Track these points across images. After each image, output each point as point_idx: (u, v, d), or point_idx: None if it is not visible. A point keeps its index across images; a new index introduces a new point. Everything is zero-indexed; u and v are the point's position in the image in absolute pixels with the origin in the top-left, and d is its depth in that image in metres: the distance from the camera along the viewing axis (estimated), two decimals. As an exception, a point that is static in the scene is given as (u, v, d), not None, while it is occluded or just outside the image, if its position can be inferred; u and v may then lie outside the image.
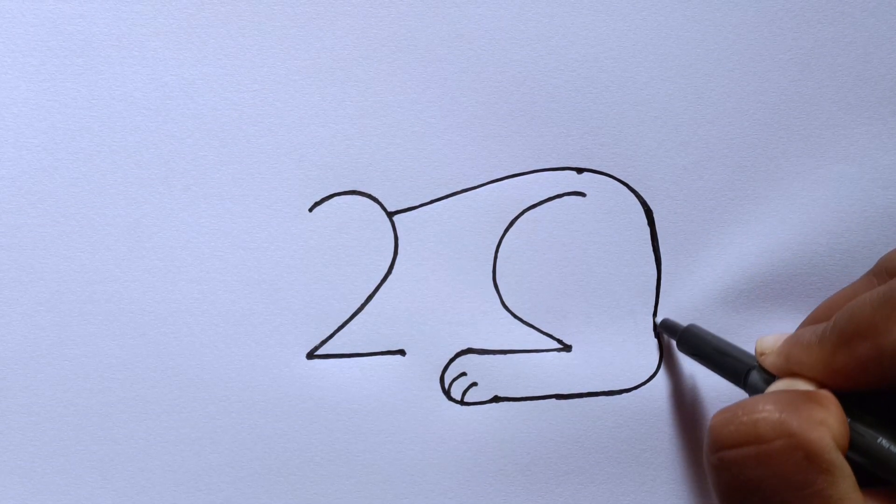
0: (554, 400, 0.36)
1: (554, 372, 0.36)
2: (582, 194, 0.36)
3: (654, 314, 0.36)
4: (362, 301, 0.35)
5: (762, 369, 0.30)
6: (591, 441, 0.36)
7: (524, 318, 0.35)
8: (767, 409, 0.25)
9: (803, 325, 0.31)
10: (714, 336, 0.33)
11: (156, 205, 0.34)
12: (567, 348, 0.36)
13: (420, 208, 0.35)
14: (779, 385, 0.28)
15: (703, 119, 0.36)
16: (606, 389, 0.36)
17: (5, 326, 0.33)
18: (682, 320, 0.36)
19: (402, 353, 0.35)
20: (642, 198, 0.36)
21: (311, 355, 0.35)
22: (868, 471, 0.26)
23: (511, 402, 0.35)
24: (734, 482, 0.25)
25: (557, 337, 0.36)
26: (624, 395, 0.36)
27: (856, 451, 0.26)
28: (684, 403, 0.36)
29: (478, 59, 0.35)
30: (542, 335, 0.36)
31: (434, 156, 0.35)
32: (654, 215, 0.36)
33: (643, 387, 0.36)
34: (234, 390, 0.34)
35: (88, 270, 0.34)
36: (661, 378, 0.36)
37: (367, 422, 0.35)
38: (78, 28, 0.33)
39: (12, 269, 0.33)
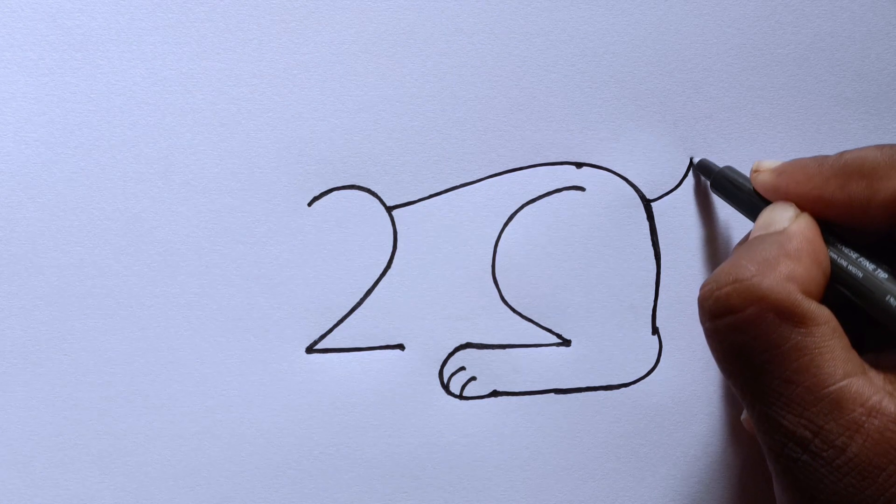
0: (553, 394, 0.36)
1: (553, 366, 0.36)
2: (581, 189, 0.36)
3: (654, 309, 0.36)
4: (361, 295, 0.35)
5: (755, 193, 0.31)
6: (590, 435, 0.36)
7: (523, 313, 0.35)
8: (739, 278, 0.27)
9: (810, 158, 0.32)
10: (747, 178, 0.33)
11: (155, 199, 0.34)
12: (566, 343, 0.36)
13: (419, 203, 0.35)
14: (764, 214, 0.30)
15: (701, 114, 0.36)
16: (605, 384, 0.36)
17: (4, 321, 0.33)
18: (681, 315, 0.36)
19: (401, 347, 0.35)
20: (641, 192, 0.36)
21: (310, 349, 0.35)
22: (858, 311, 0.28)
23: (510, 397, 0.36)
24: (722, 348, 0.28)
25: (556, 331, 0.36)
26: (623, 389, 0.36)
27: (836, 279, 0.28)
28: (683, 398, 0.36)
29: (477, 53, 0.35)
30: (541, 330, 0.36)
31: (433, 150, 0.35)
32: (654, 209, 0.36)
33: (642, 381, 0.36)
34: (233, 384, 0.34)
35: (87, 265, 0.34)
36: (660, 373, 0.36)
37: (366, 416, 0.35)
38: (77, 22, 0.33)
39: (11, 263, 0.33)
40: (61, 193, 0.33)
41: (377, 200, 0.35)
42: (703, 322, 0.28)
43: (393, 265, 0.35)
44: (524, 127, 0.35)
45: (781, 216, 0.29)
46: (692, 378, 0.36)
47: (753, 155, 0.36)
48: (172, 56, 0.34)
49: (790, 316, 0.26)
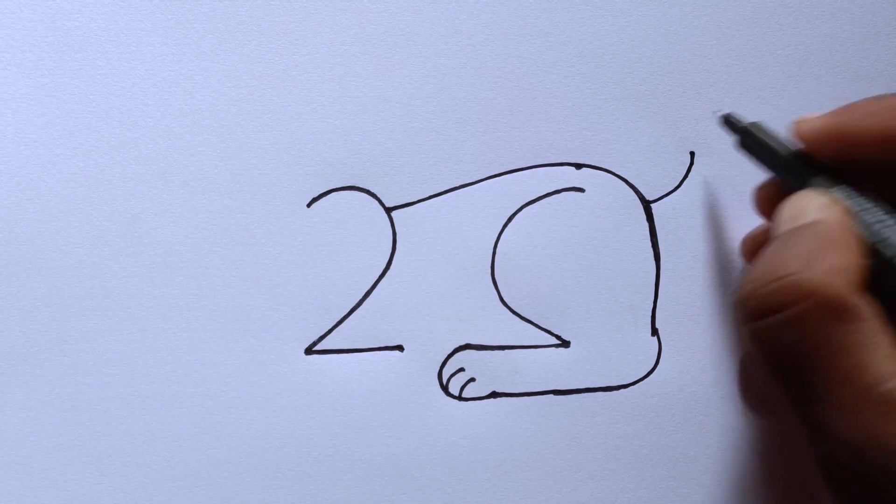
0: (552, 395, 0.36)
1: (552, 367, 0.36)
2: (581, 190, 0.36)
3: (653, 310, 0.36)
4: (360, 297, 0.35)
5: (788, 154, 0.30)
6: (589, 437, 0.36)
7: (522, 314, 0.35)
8: (785, 273, 0.25)
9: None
10: (779, 139, 0.32)
11: (154, 200, 0.34)
12: (565, 344, 0.36)
13: (418, 204, 0.35)
14: (790, 206, 0.29)
15: (701, 115, 0.36)
16: (605, 385, 0.36)
17: (3, 322, 0.33)
18: (680, 314, 0.36)
19: (400, 348, 0.35)
20: (641, 193, 0.36)
21: (309, 351, 0.35)
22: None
23: (509, 398, 0.36)
24: (771, 350, 0.26)
25: (556, 333, 0.36)
26: (622, 390, 0.36)
27: (870, 252, 0.27)
28: (682, 399, 0.36)
29: (476, 54, 0.35)
30: (540, 331, 0.36)
31: (432, 151, 0.35)
32: (653, 211, 0.36)
33: (641, 382, 0.36)
34: (232, 385, 0.34)
35: (86, 266, 0.34)
36: (660, 374, 0.36)
37: (365, 417, 0.35)
38: (76, 23, 0.33)
39: (10, 264, 0.33)
40: (60, 194, 0.33)
41: (376, 201, 0.35)
42: (745, 324, 0.27)
43: (392, 266, 0.35)
44: (523, 128, 0.35)
45: (812, 205, 0.28)
46: (692, 379, 0.36)
47: (753, 156, 0.36)
48: (172, 57, 0.34)
49: (841, 311, 0.25)
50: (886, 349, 0.25)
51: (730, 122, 0.34)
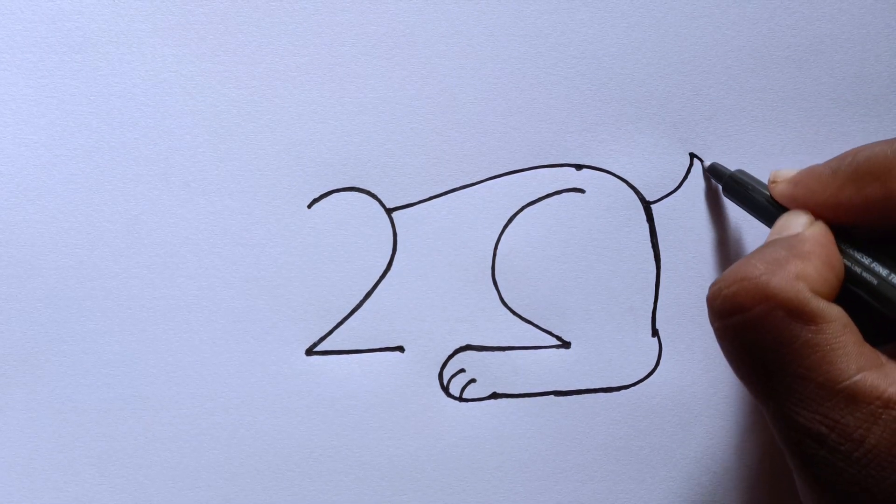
0: (552, 396, 0.36)
1: (552, 368, 0.36)
2: (581, 191, 0.36)
3: (653, 311, 0.36)
4: (361, 298, 0.35)
5: (773, 200, 0.31)
6: (590, 438, 0.36)
7: (523, 315, 0.35)
8: (747, 276, 0.27)
9: (822, 163, 0.32)
10: (760, 182, 0.33)
11: (154, 201, 0.34)
12: (566, 345, 0.36)
13: (419, 205, 0.35)
14: (779, 222, 0.30)
15: (700, 116, 0.36)
16: (605, 386, 0.36)
17: (3, 323, 0.33)
18: (680, 315, 0.36)
19: (400, 349, 0.35)
20: (641, 194, 0.36)
21: (309, 352, 0.35)
22: (872, 307, 0.28)
23: (509, 399, 0.35)
24: (732, 347, 0.28)
25: (556, 333, 0.36)
26: (622, 391, 0.36)
27: (851, 282, 0.28)
28: (683, 400, 0.36)
29: (476, 55, 0.35)
30: (540, 332, 0.36)
31: (433, 152, 0.35)
32: (653, 211, 0.36)
33: (642, 383, 0.36)
34: (232, 386, 0.34)
35: (87, 266, 0.33)
36: (660, 375, 0.36)
37: (365, 418, 0.35)
38: (76, 24, 0.33)
39: (11, 265, 0.33)
40: (61, 195, 0.33)
41: (377, 202, 0.35)
42: (712, 322, 0.28)
43: (393, 267, 0.35)
44: (524, 129, 0.35)
45: (796, 222, 0.29)
46: (692, 380, 0.36)
47: (753, 157, 0.36)
48: (172, 58, 0.34)
49: (799, 314, 0.26)
50: (851, 348, 0.26)
51: (715, 171, 0.35)
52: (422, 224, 0.35)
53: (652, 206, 0.36)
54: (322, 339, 0.35)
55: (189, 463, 0.34)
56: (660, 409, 0.36)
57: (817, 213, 0.30)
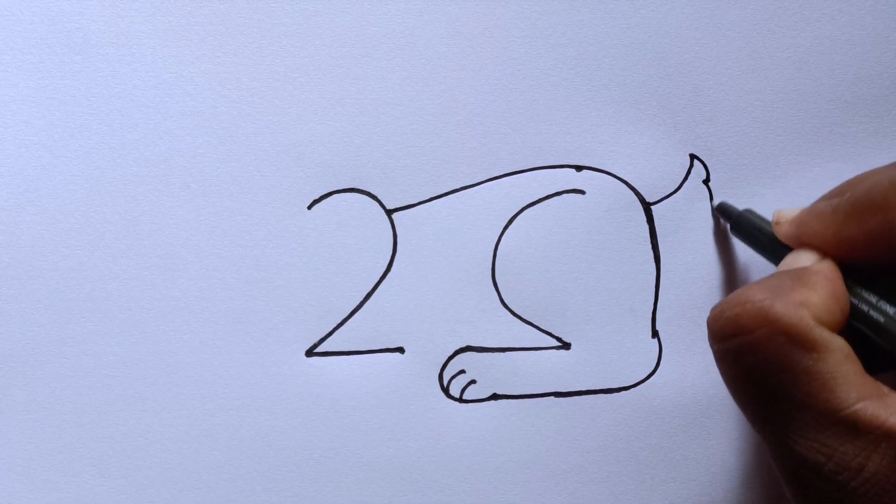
0: (553, 398, 0.36)
1: (553, 370, 0.36)
2: (581, 192, 0.36)
3: (654, 312, 0.36)
4: (361, 299, 0.35)
5: (777, 240, 0.31)
6: (590, 439, 0.36)
7: (523, 316, 0.35)
8: (750, 300, 0.27)
9: (824, 197, 0.32)
10: (767, 222, 0.33)
11: (154, 202, 0.34)
12: (566, 346, 0.36)
13: (419, 206, 0.35)
14: (786, 260, 0.30)
15: (700, 117, 0.36)
16: (605, 387, 0.36)
17: (4, 324, 0.33)
18: (680, 316, 0.36)
19: (401, 350, 0.35)
20: (641, 195, 0.36)
21: (309, 353, 0.35)
22: (874, 344, 0.28)
23: (510, 400, 0.36)
24: (731, 370, 0.27)
25: (556, 335, 0.36)
26: (623, 392, 0.36)
27: (857, 319, 0.28)
28: (683, 401, 0.36)
29: (477, 56, 0.35)
30: (540, 333, 0.36)
31: (433, 153, 0.35)
32: (653, 212, 0.36)
33: (642, 384, 0.36)
34: (232, 388, 0.34)
35: (87, 268, 0.33)
36: (660, 376, 0.36)
37: (365, 419, 0.35)
38: (77, 25, 0.33)
39: (11, 266, 0.33)
40: (61, 196, 0.33)
41: (377, 203, 0.35)
42: (711, 344, 0.28)
43: (393, 268, 0.35)
44: (524, 130, 0.35)
45: (803, 258, 0.29)
46: (692, 381, 0.36)
47: (753, 157, 0.36)
48: (172, 59, 0.34)
49: (801, 341, 0.26)
50: (851, 377, 0.26)
51: (723, 211, 0.35)
52: (422, 225, 0.35)
53: (652, 207, 0.36)
54: (322, 340, 0.35)
55: (189, 464, 0.34)
56: (660, 410, 0.36)
57: (823, 252, 0.29)
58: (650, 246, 0.36)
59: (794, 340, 0.26)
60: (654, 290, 0.36)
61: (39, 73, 0.33)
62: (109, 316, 0.34)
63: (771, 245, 0.32)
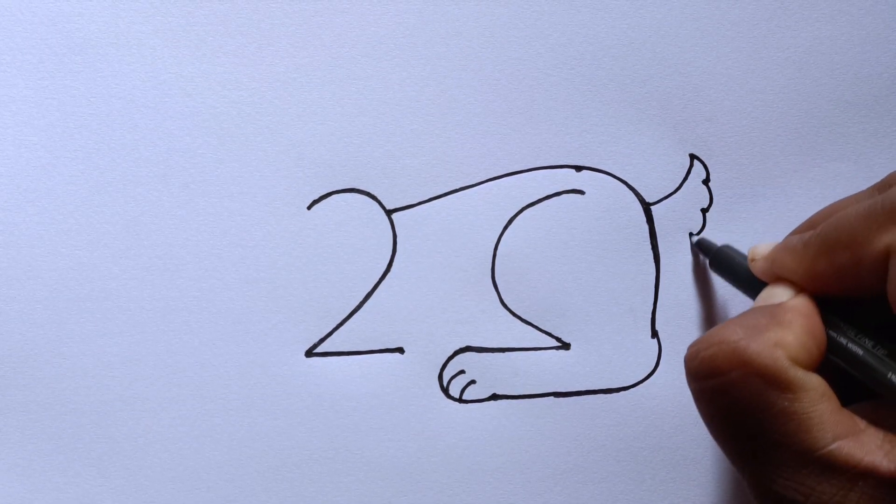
0: (552, 398, 0.36)
1: (552, 370, 0.36)
2: (581, 192, 0.36)
3: (653, 312, 0.36)
4: (361, 299, 0.35)
5: (754, 276, 0.31)
6: (590, 439, 0.36)
7: (523, 316, 0.36)
8: (725, 340, 0.27)
9: (796, 230, 0.33)
10: (744, 257, 0.33)
11: (154, 202, 0.34)
12: (566, 346, 0.36)
13: (418, 206, 0.35)
14: (761, 295, 0.30)
15: (700, 117, 0.36)
16: (605, 387, 0.36)
17: (3, 324, 0.33)
18: (680, 316, 0.36)
19: (400, 350, 0.35)
20: (641, 195, 0.36)
21: (309, 353, 0.35)
22: (852, 376, 0.28)
23: (509, 400, 0.36)
24: (709, 410, 0.27)
25: (556, 335, 0.36)
26: (622, 392, 0.36)
27: (835, 354, 0.28)
28: (682, 401, 0.36)
29: (476, 56, 0.35)
30: (540, 333, 0.36)
31: (433, 154, 0.35)
32: (653, 213, 0.36)
33: (641, 385, 0.36)
34: (232, 388, 0.34)
35: (87, 268, 0.33)
36: (660, 376, 0.36)
37: (365, 419, 0.35)
38: (77, 26, 0.33)
39: (10, 266, 0.33)
40: (60, 197, 0.33)
41: (377, 204, 0.35)
42: (689, 383, 0.28)
43: (392, 268, 0.35)
44: (524, 130, 0.35)
45: (779, 294, 0.29)
46: (692, 381, 0.36)
47: (753, 157, 0.36)
48: (172, 59, 0.34)
49: (776, 382, 0.26)
50: (827, 416, 0.26)
51: (702, 246, 0.35)
52: (422, 225, 0.35)
53: (652, 207, 0.36)
54: (322, 340, 0.35)
55: (189, 464, 0.34)
56: (659, 410, 0.36)
57: (798, 286, 0.29)
58: (650, 246, 0.36)
59: (770, 381, 0.26)
60: (653, 290, 0.36)
61: (39, 73, 0.33)
62: (109, 316, 0.34)
63: (748, 280, 0.32)
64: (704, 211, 0.36)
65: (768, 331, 0.27)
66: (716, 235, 0.36)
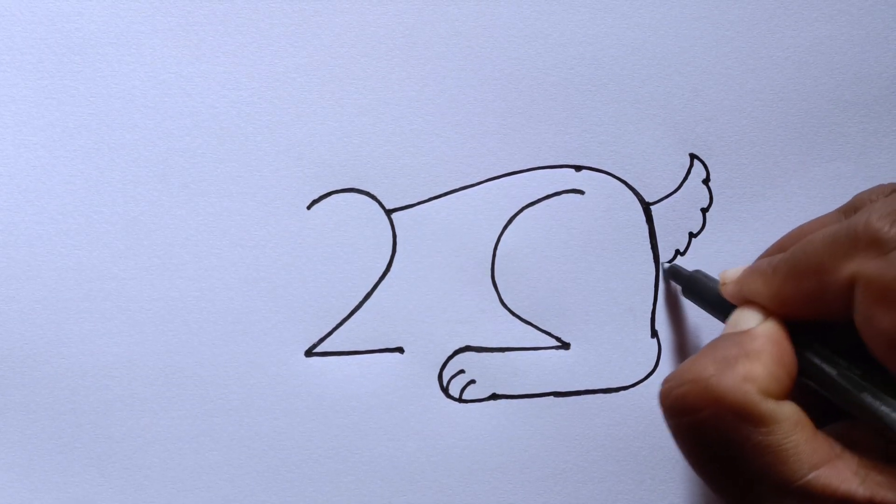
0: (552, 397, 0.36)
1: (552, 369, 0.36)
2: (580, 192, 0.36)
3: (653, 312, 0.36)
4: (361, 299, 0.35)
5: (724, 300, 0.31)
6: (589, 438, 0.36)
7: (522, 316, 0.36)
8: (696, 378, 0.27)
9: (766, 252, 0.33)
10: (716, 282, 0.33)
11: (154, 202, 0.34)
12: (565, 346, 0.36)
13: (418, 206, 0.35)
14: (731, 319, 0.30)
15: (700, 117, 0.36)
16: (604, 387, 0.36)
17: (3, 324, 0.33)
18: (680, 318, 0.36)
19: (400, 350, 0.35)
20: (640, 195, 0.36)
21: (309, 353, 0.35)
22: (825, 397, 0.27)
23: (509, 400, 0.36)
24: (685, 446, 0.28)
25: (556, 335, 0.36)
26: (622, 392, 0.36)
27: (808, 376, 0.28)
28: (682, 401, 0.36)
29: (476, 56, 0.35)
30: (540, 333, 0.36)
31: (432, 153, 0.35)
32: (653, 213, 0.36)
33: (641, 384, 0.36)
34: (232, 388, 0.34)
35: (86, 268, 0.33)
36: (659, 376, 0.36)
37: (365, 419, 0.35)
38: (76, 26, 0.33)
39: (10, 266, 0.33)
40: (59, 196, 0.33)
41: (376, 203, 0.35)
42: (665, 419, 0.28)
43: (392, 268, 0.35)
44: (523, 130, 0.35)
45: (748, 318, 0.29)
46: (691, 381, 0.36)
47: (753, 157, 0.36)
48: (171, 59, 0.34)
49: (749, 417, 0.26)
50: (802, 447, 0.26)
51: (674, 273, 0.35)
52: (421, 225, 0.35)
53: (651, 207, 0.36)
54: (321, 340, 0.35)
55: (188, 464, 0.34)
56: (659, 409, 0.36)
57: (768, 310, 0.29)
58: (649, 246, 0.36)
59: (742, 417, 0.26)
60: (653, 289, 0.36)
61: (39, 72, 0.33)
62: (108, 316, 0.34)
63: (720, 305, 0.32)
64: (704, 211, 0.36)
65: (738, 364, 0.27)
66: (716, 235, 0.36)
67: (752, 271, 0.30)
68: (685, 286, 0.35)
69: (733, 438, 0.26)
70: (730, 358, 0.27)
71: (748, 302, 0.30)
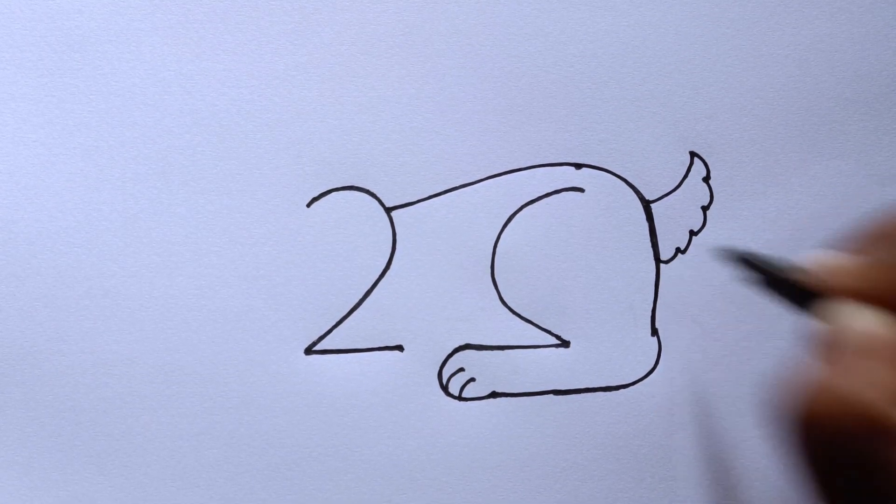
0: (552, 395, 0.36)
1: (552, 367, 0.36)
2: (580, 190, 0.36)
3: (653, 310, 0.36)
4: (360, 296, 0.35)
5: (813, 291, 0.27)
6: (589, 437, 0.36)
7: (522, 314, 0.35)
8: (855, 402, 0.24)
9: (867, 238, 0.27)
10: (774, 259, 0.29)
11: (153, 200, 0.34)
12: (565, 344, 0.36)
13: (418, 204, 0.35)
14: (840, 317, 0.26)
15: (700, 114, 0.36)
16: (604, 385, 0.36)
17: (2, 321, 0.33)
18: (680, 316, 0.36)
19: (400, 348, 0.35)
20: (640, 193, 0.36)
21: (309, 351, 0.35)
22: None
23: (509, 398, 0.35)
24: (814, 466, 0.25)
25: (556, 332, 0.36)
26: (622, 390, 0.36)
27: None
28: (682, 399, 0.36)
29: (476, 54, 0.35)
30: (540, 331, 0.36)
31: (432, 151, 0.35)
32: (653, 210, 0.36)
33: (641, 382, 0.36)
34: (231, 386, 0.34)
35: (85, 266, 0.33)
36: (660, 374, 0.36)
37: (365, 417, 0.35)
38: (76, 23, 0.33)
39: (9, 264, 0.33)
40: (59, 194, 0.33)
41: (376, 201, 0.35)
42: (790, 438, 0.25)
43: (392, 266, 0.35)
44: (523, 128, 0.35)
45: (865, 317, 0.26)
46: (691, 379, 0.36)
47: (753, 157, 0.36)
48: (171, 57, 0.34)
49: (882, 429, 0.24)
50: None
51: (743, 259, 0.29)
52: (421, 223, 0.35)
53: (652, 205, 0.36)
54: (321, 338, 0.35)
55: (188, 462, 0.34)
56: (659, 408, 0.36)
57: (886, 307, 0.26)
58: (650, 244, 0.36)
59: (875, 429, 0.23)
60: (653, 288, 0.36)
61: (38, 70, 0.33)
62: (108, 314, 0.34)
63: (804, 297, 0.27)
64: (705, 209, 0.36)
65: (868, 372, 0.24)
66: (716, 234, 0.36)
67: (869, 264, 0.26)
68: (760, 274, 0.28)
69: (866, 453, 0.24)
70: (859, 366, 0.25)
71: (857, 295, 0.26)
